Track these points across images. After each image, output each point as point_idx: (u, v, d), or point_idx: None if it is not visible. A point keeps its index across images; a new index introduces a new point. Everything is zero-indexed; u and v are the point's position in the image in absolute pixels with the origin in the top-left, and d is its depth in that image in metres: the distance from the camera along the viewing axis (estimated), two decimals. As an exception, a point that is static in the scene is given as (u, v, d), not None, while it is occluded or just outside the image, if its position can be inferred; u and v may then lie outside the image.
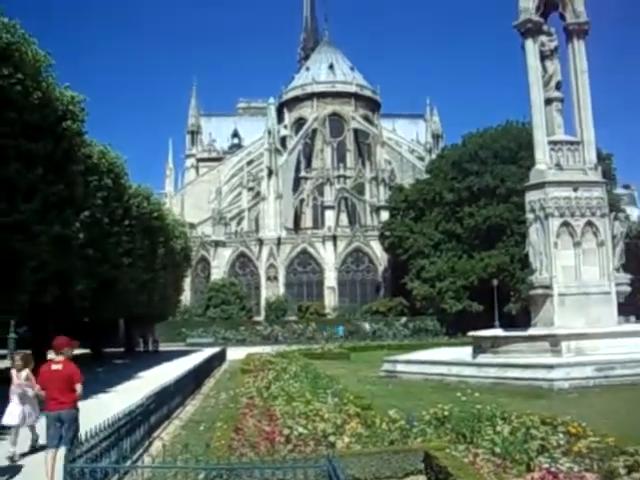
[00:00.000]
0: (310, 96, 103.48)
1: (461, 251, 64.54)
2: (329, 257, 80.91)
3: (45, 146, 20.16)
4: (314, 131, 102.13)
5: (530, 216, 24.40)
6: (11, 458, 11.80)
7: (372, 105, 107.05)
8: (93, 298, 29.98)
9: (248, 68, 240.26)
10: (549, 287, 23.46)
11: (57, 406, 9.90)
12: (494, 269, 60.40)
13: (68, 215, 23.03)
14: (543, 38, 25.36)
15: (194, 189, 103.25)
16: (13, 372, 12.56)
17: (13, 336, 43.18)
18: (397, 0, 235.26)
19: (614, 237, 24.22)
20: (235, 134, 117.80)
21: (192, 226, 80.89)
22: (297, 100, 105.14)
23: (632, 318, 32.81)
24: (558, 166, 24.42)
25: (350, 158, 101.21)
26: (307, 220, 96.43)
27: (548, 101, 24.75)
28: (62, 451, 8.80)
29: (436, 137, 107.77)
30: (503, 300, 58.86)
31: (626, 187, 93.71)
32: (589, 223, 23.87)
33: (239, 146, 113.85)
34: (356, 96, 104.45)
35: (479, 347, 24.37)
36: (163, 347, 54.20)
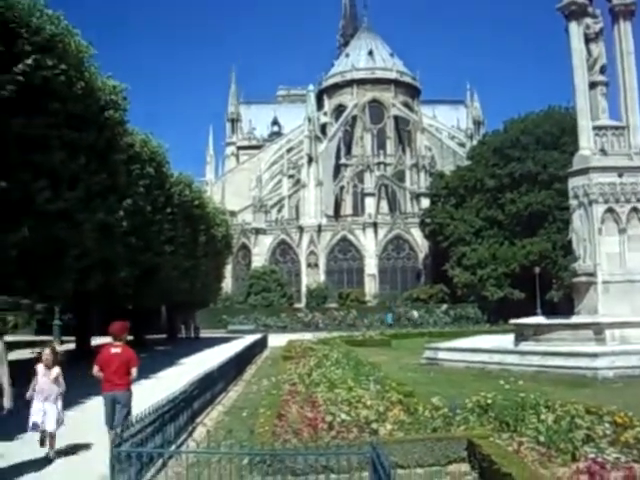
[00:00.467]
0: (350, 83, 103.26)
1: (502, 238, 64.07)
2: (369, 244, 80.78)
3: (88, 136, 20.35)
4: (354, 118, 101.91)
5: (574, 202, 24.09)
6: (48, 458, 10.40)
7: (412, 91, 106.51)
8: (136, 285, 30.29)
9: (288, 55, 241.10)
10: (593, 274, 23.14)
11: (112, 387, 10.43)
12: (536, 256, 59.90)
13: (111, 203, 23.28)
14: (588, 20, 24.86)
15: (234, 177, 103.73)
16: (40, 368, 10.58)
17: (58, 323, 43.94)
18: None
19: (660, 223, 23.80)
20: (275, 122, 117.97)
21: (233, 214, 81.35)
22: (337, 87, 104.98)
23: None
24: (602, 151, 24.06)
25: (390, 145, 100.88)
26: (347, 207, 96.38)
27: (592, 85, 24.34)
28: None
29: (477, 123, 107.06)
30: (545, 288, 58.38)
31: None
32: (634, 209, 23.47)
33: (279, 134, 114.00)
34: (396, 82, 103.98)
35: (521, 335, 24.14)
36: (204, 334, 54.64)
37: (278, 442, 8.92)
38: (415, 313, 66.64)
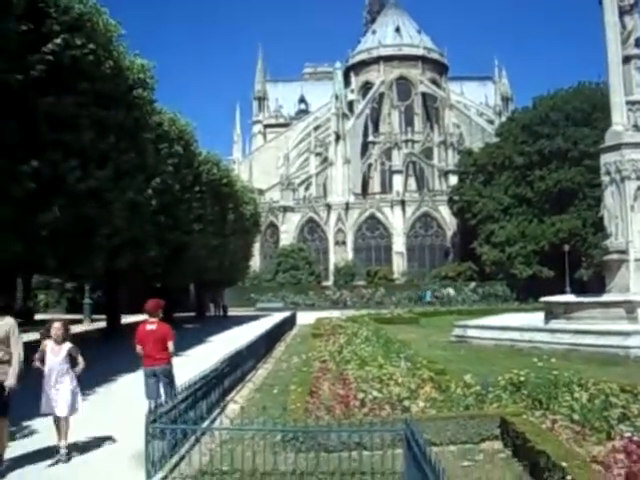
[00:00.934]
0: (377, 60, 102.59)
1: (531, 215, 63.60)
2: (397, 222, 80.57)
3: (117, 115, 20.39)
4: (381, 95, 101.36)
5: (605, 179, 23.73)
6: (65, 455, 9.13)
7: (439, 68, 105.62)
8: (165, 264, 30.50)
9: (314, 33, 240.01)
10: (625, 252, 22.80)
11: (152, 362, 10.76)
12: (565, 234, 59.41)
13: (140, 182, 23.36)
14: (622, -9, 24.40)
15: (262, 155, 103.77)
16: (48, 344, 9.29)
17: (88, 301, 44.40)
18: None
19: (694, 200, 23.42)
20: (302, 99, 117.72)
21: (260, 192, 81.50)
22: (363, 64, 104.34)
23: None
24: (636, 127, 23.62)
25: (418, 122, 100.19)
26: (375, 185, 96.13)
27: (626, 59, 23.86)
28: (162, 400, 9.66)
29: (505, 100, 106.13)
30: (574, 266, 57.90)
31: None
32: (668, 186, 23.11)
33: (306, 111, 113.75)
34: (423, 59, 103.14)
35: (551, 313, 23.95)
36: (233, 312, 54.92)
37: (310, 419, 8.95)
38: (451, 290, 66.44)
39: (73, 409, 9.32)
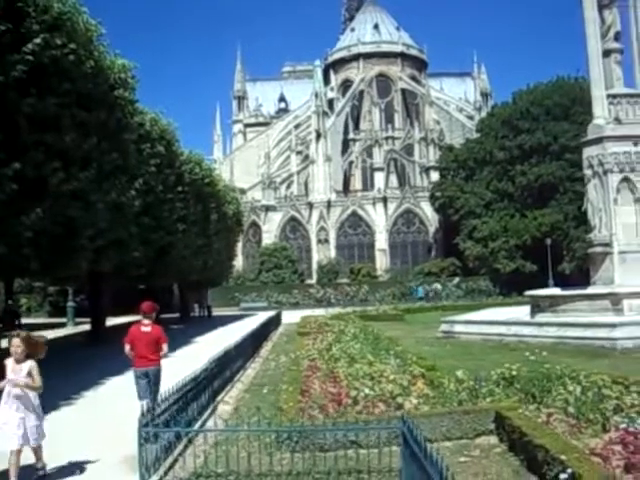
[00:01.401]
0: (356, 57, 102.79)
1: (513, 210, 63.93)
2: (379, 219, 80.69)
3: (99, 115, 20.20)
4: (361, 92, 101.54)
5: (588, 172, 23.80)
6: None
7: (419, 64, 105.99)
8: (149, 265, 30.30)
9: (292, 31, 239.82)
10: (609, 245, 22.91)
11: (145, 363, 10.71)
12: (547, 228, 59.74)
13: (123, 183, 23.18)
14: (601, -14, 24.50)
15: (242, 154, 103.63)
16: (9, 363, 8.15)
17: (72, 304, 44.09)
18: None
19: (677, 192, 23.54)
20: (281, 98, 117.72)
21: (242, 191, 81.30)
22: (343, 62, 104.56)
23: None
24: (617, 120, 23.71)
25: (398, 119, 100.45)
26: (356, 182, 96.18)
27: (606, 53, 23.95)
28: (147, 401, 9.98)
29: (485, 95, 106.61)
30: (556, 259, 58.20)
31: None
32: (650, 178, 23.22)
33: (286, 110, 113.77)
34: (402, 56, 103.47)
35: (537, 306, 24.05)
36: (217, 312, 54.71)
37: (304, 418, 8.88)
38: (439, 286, 66.52)
39: (39, 438, 8.17)
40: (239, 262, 75.93)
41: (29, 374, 8.04)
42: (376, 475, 7.58)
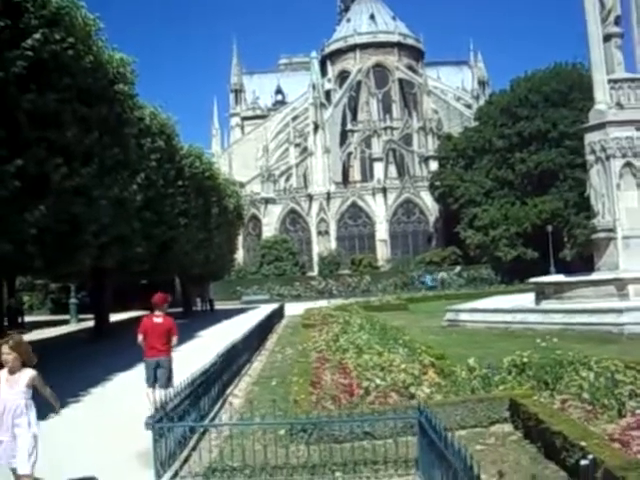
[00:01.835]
0: (352, 48, 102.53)
1: (514, 198, 63.80)
2: (379, 209, 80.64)
3: (99, 110, 20.15)
4: (358, 83, 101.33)
5: (590, 158, 23.72)
6: None
7: (416, 54, 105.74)
8: (151, 260, 30.24)
9: (288, 23, 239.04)
10: (612, 230, 22.87)
11: (156, 354, 11.12)
12: (548, 215, 59.64)
13: (124, 178, 23.12)
14: (601, -31, 24.35)
15: (240, 148, 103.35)
16: (2, 375, 6.87)
17: (74, 301, 44.02)
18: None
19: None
20: (278, 90, 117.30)
21: (241, 185, 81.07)
22: (339, 52, 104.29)
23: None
24: (619, 105, 23.62)
25: (396, 109, 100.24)
26: (355, 173, 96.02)
27: (607, 37, 23.82)
28: (157, 390, 10.69)
29: (482, 83, 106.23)
30: (557, 246, 58.13)
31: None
32: (653, 163, 23.14)
33: (283, 102, 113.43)
34: (399, 45, 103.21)
35: (542, 293, 24.03)
36: (219, 306, 54.62)
37: (317, 410, 8.83)
38: (445, 274, 66.38)
39: (33, 461, 6.78)
40: (240, 255, 75.83)
41: (29, 384, 6.83)
42: (392, 465, 7.53)
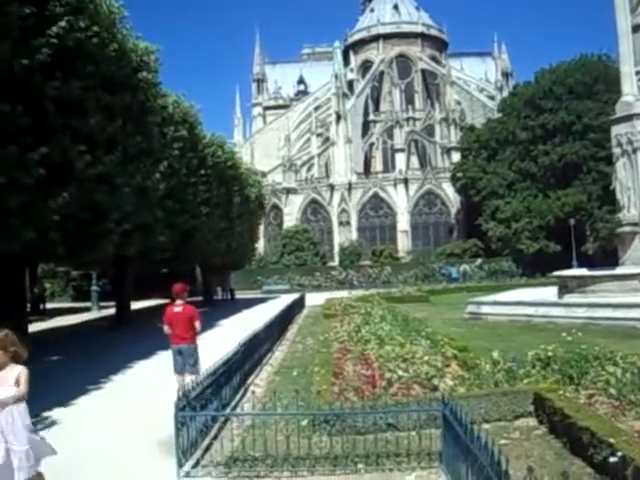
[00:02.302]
0: (375, 38, 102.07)
1: (536, 190, 63.22)
2: (401, 200, 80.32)
3: (123, 98, 20.18)
4: (381, 73, 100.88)
5: (617, 151, 23.44)
6: None
7: (439, 44, 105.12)
8: (174, 249, 30.30)
9: (311, 13, 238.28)
10: (638, 224, 22.63)
11: (179, 341, 11.48)
12: (571, 208, 59.08)
13: (147, 166, 23.16)
14: (631, -42, 24.01)
15: (262, 137, 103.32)
16: None
17: (96, 289, 44.31)
18: None
19: None
20: (301, 80, 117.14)
21: (263, 174, 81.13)
22: (362, 43, 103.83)
23: None
24: (647, 97, 23.35)
25: (419, 99, 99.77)
26: (377, 164, 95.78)
27: (635, 28, 23.48)
28: (187, 375, 10.93)
29: (505, 75, 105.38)
30: (580, 240, 57.63)
31: None
32: (680, 156, 22.83)
33: (305, 92, 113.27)
34: (422, 36, 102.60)
35: (565, 287, 23.78)
36: (239, 295, 54.80)
37: (339, 401, 8.78)
38: (467, 267, 66.04)
39: (34, 465, 6.20)
40: (261, 245, 75.84)
41: (16, 381, 6.23)
42: (415, 458, 7.48)
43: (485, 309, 24.34)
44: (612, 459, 5.84)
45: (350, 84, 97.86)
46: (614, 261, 23.96)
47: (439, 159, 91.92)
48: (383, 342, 13.56)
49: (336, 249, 79.19)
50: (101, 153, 18.54)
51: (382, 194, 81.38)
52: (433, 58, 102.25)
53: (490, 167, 66.07)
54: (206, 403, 8.53)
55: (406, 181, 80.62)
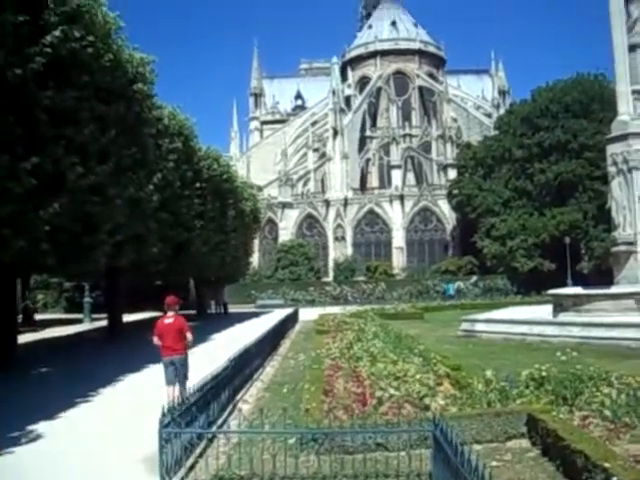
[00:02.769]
0: (373, 54, 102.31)
1: (532, 208, 63.31)
2: (396, 217, 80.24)
3: (117, 109, 20.03)
4: (378, 90, 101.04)
5: (612, 169, 23.40)
6: None
7: (436, 61, 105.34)
8: (166, 261, 30.11)
9: (309, 28, 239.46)
10: (633, 243, 22.55)
11: (170, 352, 11.68)
12: (566, 226, 59.15)
13: (141, 178, 22.99)
14: (627, -21, 24.17)
15: (259, 152, 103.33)
16: None
17: (88, 300, 44.06)
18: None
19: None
20: (298, 95, 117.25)
21: (259, 189, 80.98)
22: (360, 59, 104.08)
23: None
24: (642, 116, 23.37)
25: (415, 116, 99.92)
26: (373, 180, 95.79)
27: (632, 48, 23.67)
28: (177, 388, 11.25)
29: (502, 93, 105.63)
30: (575, 258, 57.63)
31: None
32: (675, 176, 22.77)
33: (302, 107, 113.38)
34: (420, 53, 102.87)
35: (560, 305, 23.65)
36: (233, 309, 54.56)
37: (329, 419, 8.59)
38: (462, 284, 65.88)
39: None
40: (255, 259, 75.58)
41: None
42: (405, 478, 7.32)
43: (479, 327, 24.18)
44: (607, 484, 5.68)
45: (347, 100, 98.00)
46: (609, 280, 23.86)
47: (435, 176, 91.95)
48: (375, 359, 13.39)
49: (331, 264, 78.99)
50: (94, 164, 18.36)
51: (378, 210, 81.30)
52: (430, 75, 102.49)
53: (486, 184, 66.11)
54: (192, 420, 8.36)
55: (402, 197, 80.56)
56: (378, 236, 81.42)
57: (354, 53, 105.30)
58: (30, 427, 10.92)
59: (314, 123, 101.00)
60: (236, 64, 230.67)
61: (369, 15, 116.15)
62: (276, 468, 7.46)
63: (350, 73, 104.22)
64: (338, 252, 79.66)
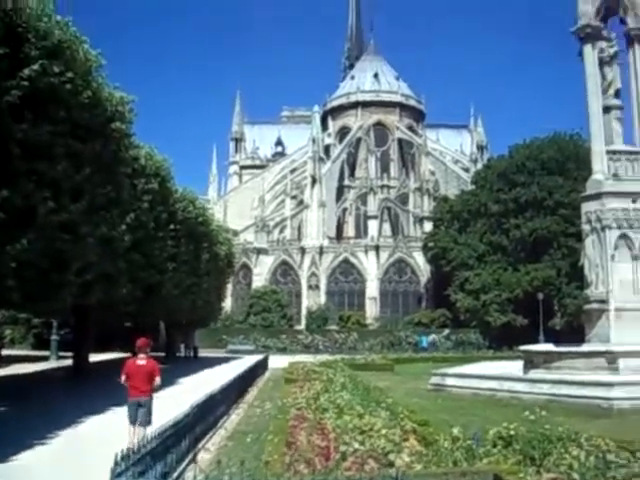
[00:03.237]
0: (355, 105, 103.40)
1: (506, 263, 63.66)
2: (371, 267, 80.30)
3: (94, 146, 19.88)
4: (358, 140, 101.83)
5: (586, 227, 23.58)
6: None
7: (416, 115, 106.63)
8: (137, 302, 29.71)
9: (292, 77, 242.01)
10: (605, 302, 22.61)
11: (138, 393, 11.89)
12: (540, 282, 59.50)
13: (114, 217, 22.75)
14: (602, 44, 24.61)
15: (237, 196, 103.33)
16: None
17: (55, 338, 43.47)
18: (442, 9, 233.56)
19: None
20: (279, 142, 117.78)
21: (235, 233, 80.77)
22: (341, 109, 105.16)
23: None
24: (616, 176, 23.59)
25: (394, 168, 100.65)
26: (350, 229, 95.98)
27: (606, 109, 23.93)
28: (138, 428, 11.43)
29: (480, 148, 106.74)
30: (548, 314, 57.82)
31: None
32: (648, 236, 22.92)
33: (282, 154, 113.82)
34: (401, 106, 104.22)
35: (530, 362, 23.58)
36: (203, 353, 54.01)
37: (289, 473, 8.31)
38: (435, 337, 65.65)
39: None
40: (228, 304, 75.04)
41: None
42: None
43: (449, 381, 23.98)
44: None
45: (327, 148, 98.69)
46: (581, 337, 23.88)
47: (411, 228, 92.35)
48: (342, 412, 13.09)
49: (304, 312, 78.59)
50: (66, 201, 18.14)
51: (353, 260, 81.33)
52: (410, 128, 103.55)
53: (461, 238, 66.47)
54: (147, 469, 8.04)
55: (377, 248, 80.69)
56: (352, 286, 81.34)
57: (336, 103, 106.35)
58: None
59: (293, 170, 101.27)
60: (218, 108, 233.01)
61: (352, 66, 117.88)
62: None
63: (331, 122, 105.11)
64: (311, 300, 79.36)
